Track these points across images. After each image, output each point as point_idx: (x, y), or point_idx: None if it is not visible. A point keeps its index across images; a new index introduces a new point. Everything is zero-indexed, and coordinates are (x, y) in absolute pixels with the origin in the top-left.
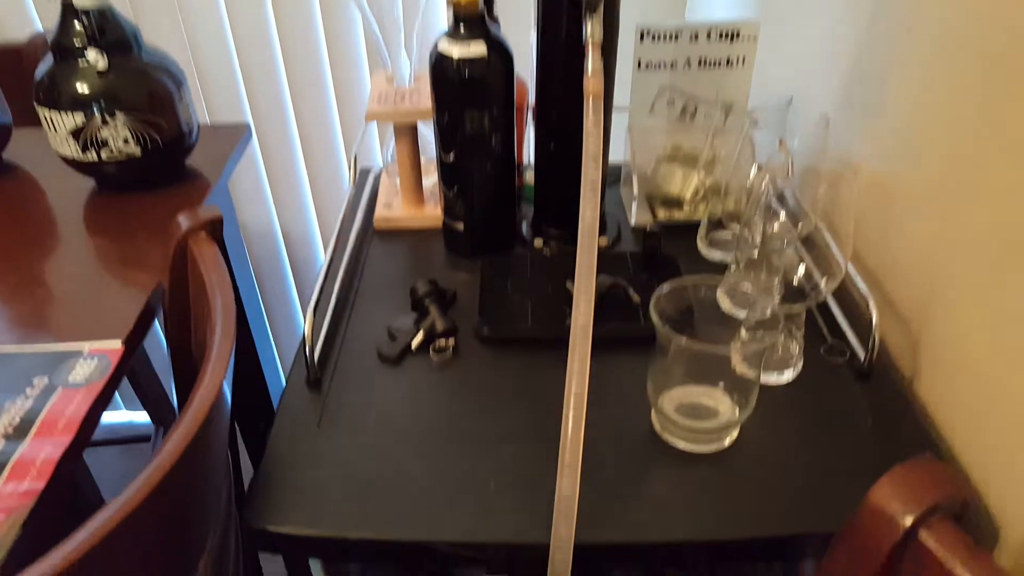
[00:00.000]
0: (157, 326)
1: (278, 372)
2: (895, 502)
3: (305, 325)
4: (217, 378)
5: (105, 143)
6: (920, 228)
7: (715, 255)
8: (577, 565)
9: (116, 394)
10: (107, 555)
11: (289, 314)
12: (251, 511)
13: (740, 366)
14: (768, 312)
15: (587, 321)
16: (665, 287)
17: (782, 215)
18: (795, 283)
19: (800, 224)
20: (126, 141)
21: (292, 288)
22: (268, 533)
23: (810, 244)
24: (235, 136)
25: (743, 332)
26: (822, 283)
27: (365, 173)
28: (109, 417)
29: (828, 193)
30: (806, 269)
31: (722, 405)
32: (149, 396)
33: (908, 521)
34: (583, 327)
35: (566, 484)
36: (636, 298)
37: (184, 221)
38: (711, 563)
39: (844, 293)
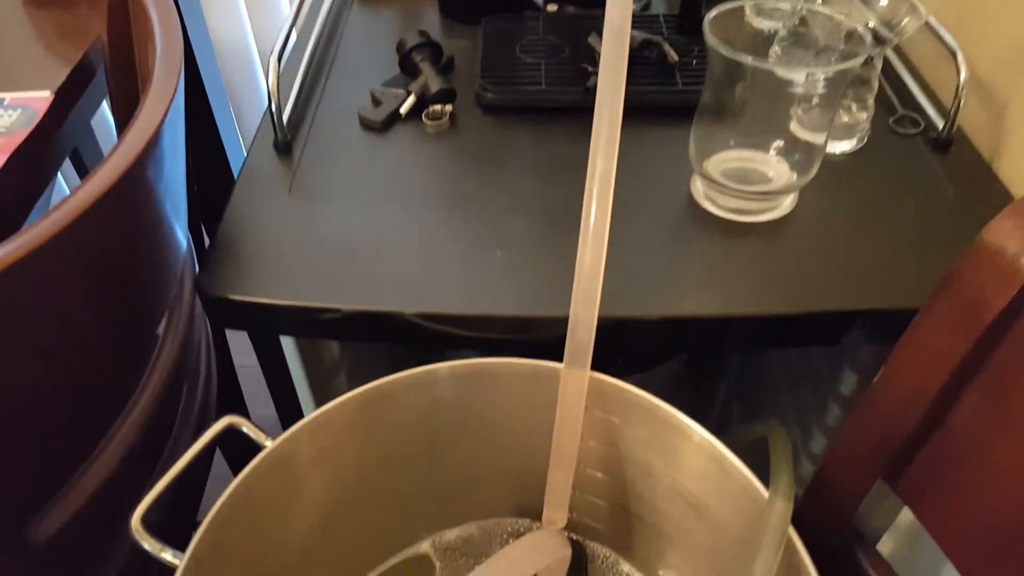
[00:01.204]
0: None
1: (240, 150)
2: (1018, 240)
3: (270, 75)
4: (160, 102)
5: None
6: None
7: (765, 24)
8: (601, 346)
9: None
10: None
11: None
12: (208, 278)
13: (799, 128)
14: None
15: (619, 75)
16: (722, 7)
17: None
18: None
19: None
20: None
21: (256, 63)
22: (227, 303)
23: None
24: None
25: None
26: (904, 22)
27: None
28: None
29: None
30: (880, 14)
31: (776, 171)
32: None
33: None
34: (614, 78)
35: (590, 254)
36: (673, 56)
37: None
38: (755, 345)
39: (918, 55)
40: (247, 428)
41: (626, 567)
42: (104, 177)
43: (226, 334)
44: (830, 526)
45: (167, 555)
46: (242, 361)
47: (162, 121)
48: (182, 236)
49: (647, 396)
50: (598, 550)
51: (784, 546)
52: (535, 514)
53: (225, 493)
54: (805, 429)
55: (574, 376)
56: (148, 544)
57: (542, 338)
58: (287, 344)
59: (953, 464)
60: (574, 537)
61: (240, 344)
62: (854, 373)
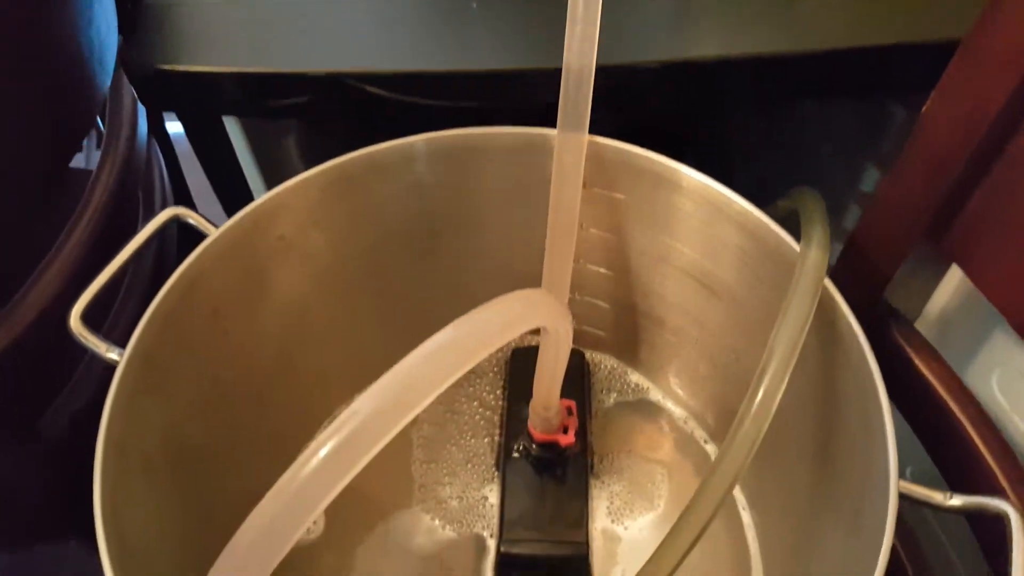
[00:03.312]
0: None
1: None
2: None
3: None
4: None
5: None
6: None
7: None
8: (600, 105)
9: None
10: None
11: None
12: (136, 49)
13: None
14: None
15: None
16: None
17: None
18: None
19: None
20: None
21: None
22: (160, 76)
23: None
24: None
25: None
26: None
27: None
28: None
29: None
30: None
31: None
32: None
33: None
34: None
35: None
36: None
37: None
38: (781, 95)
39: None
40: (194, 220)
41: (634, 377)
42: None
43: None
44: (864, 298)
45: (112, 354)
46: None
47: None
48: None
49: (656, 157)
50: (603, 361)
51: (817, 301)
52: (537, 330)
53: (170, 279)
54: (836, 205)
55: (570, 141)
56: (90, 342)
57: (530, 104)
58: (234, 134)
59: (1013, 201)
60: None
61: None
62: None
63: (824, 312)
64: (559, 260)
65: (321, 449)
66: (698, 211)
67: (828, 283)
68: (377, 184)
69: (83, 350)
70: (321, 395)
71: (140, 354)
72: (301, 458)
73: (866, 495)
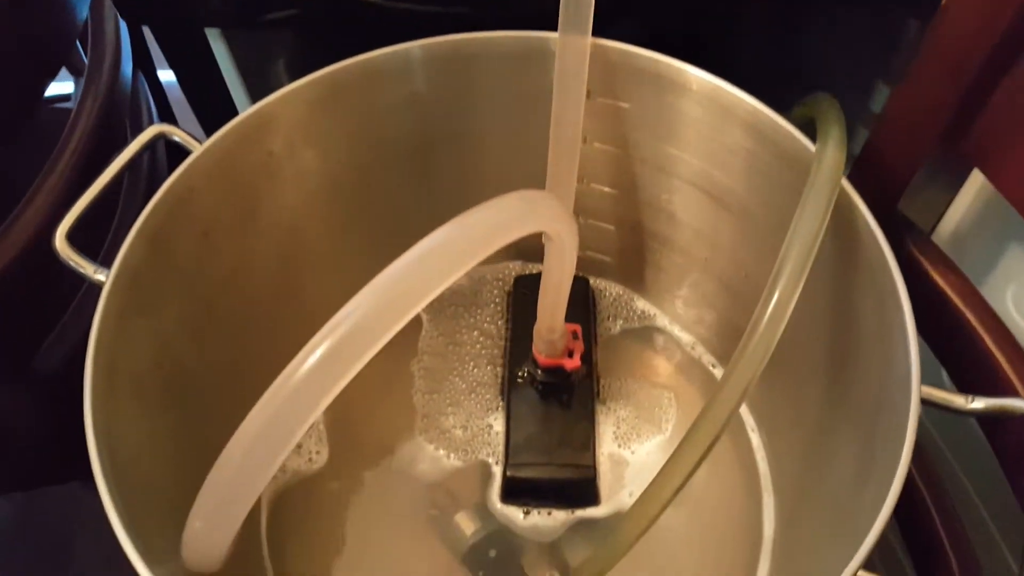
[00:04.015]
0: None
1: None
2: None
3: None
4: None
5: None
6: None
7: None
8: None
9: None
10: None
11: None
12: None
13: None
14: None
15: None
16: None
17: None
18: None
19: None
20: None
21: None
22: None
23: None
24: None
25: None
26: None
27: None
28: None
29: None
30: None
31: None
32: None
33: None
34: None
35: None
36: None
37: None
38: None
39: None
40: (180, 137)
41: (640, 304)
42: None
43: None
44: (878, 209)
45: (100, 275)
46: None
47: None
48: None
49: (663, 58)
50: (608, 288)
51: (834, 202)
52: (540, 256)
53: (156, 195)
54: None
55: (572, 44)
56: (74, 262)
57: (526, 10)
58: (221, 58)
59: None
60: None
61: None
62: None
63: (840, 214)
64: (562, 174)
65: (315, 351)
66: (707, 116)
67: (845, 183)
68: (371, 96)
69: (76, 286)
70: (319, 321)
71: (127, 273)
72: (295, 360)
73: (885, 402)
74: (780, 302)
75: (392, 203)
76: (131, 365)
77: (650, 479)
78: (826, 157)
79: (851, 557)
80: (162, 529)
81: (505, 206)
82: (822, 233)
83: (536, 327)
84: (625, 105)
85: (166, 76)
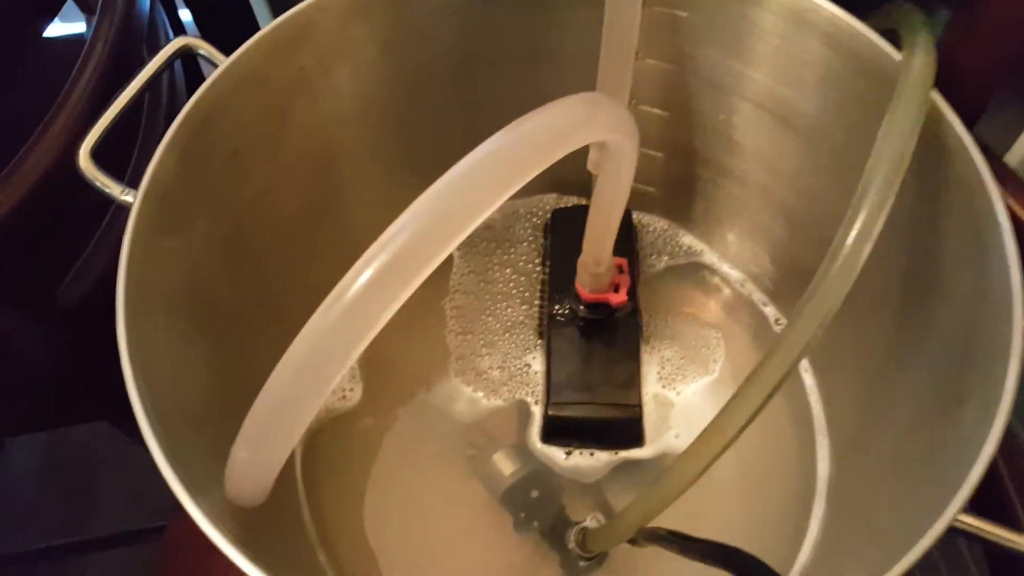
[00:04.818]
0: None
1: None
2: None
3: None
4: None
5: None
6: None
7: None
8: None
9: None
10: None
11: None
12: None
13: None
14: None
15: None
16: None
17: None
18: None
19: None
20: None
21: None
22: None
23: None
24: None
25: None
26: None
27: None
28: None
29: None
30: None
31: None
32: None
33: None
34: None
35: None
36: None
37: None
38: None
39: None
40: (205, 50)
41: (686, 239)
42: None
43: None
44: None
45: (127, 196)
46: None
47: None
48: None
49: None
50: (651, 223)
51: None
52: (577, 188)
53: (183, 110)
54: None
55: None
56: (100, 182)
57: None
58: None
59: None
60: None
61: None
62: None
63: (926, 127)
64: (614, 86)
65: (370, 264)
66: (778, 25)
67: (934, 93)
68: (414, 4)
69: (98, 220)
70: (355, 247)
71: (157, 189)
72: (347, 276)
73: (978, 332)
74: (865, 225)
75: (432, 127)
76: (163, 288)
77: (696, 421)
78: (915, 64)
79: (950, 497)
80: (201, 460)
81: (566, 110)
82: (912, 148)
83: (581, 259)
84: (683, 14)
85: (185, 15)
